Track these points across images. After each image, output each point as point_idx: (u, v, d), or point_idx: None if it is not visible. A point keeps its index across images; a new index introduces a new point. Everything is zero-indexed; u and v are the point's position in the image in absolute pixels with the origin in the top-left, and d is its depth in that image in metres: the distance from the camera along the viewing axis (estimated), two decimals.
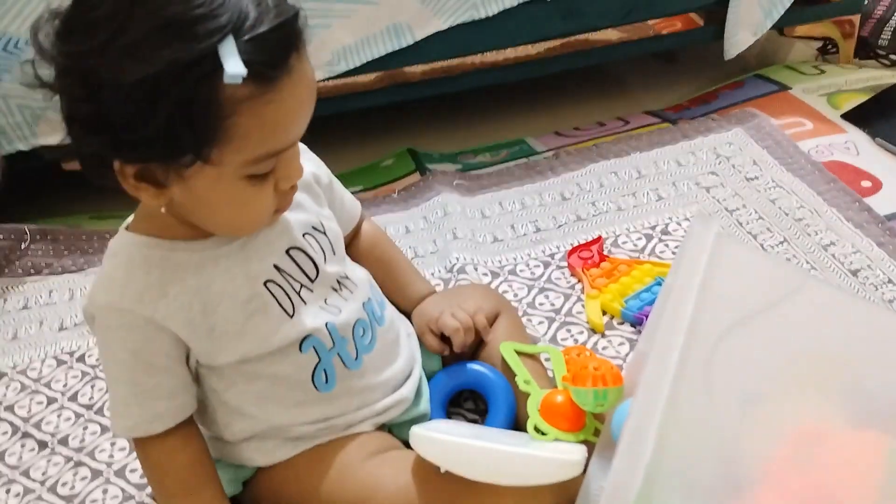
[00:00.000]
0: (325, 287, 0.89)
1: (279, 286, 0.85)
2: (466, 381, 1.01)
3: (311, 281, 0.87)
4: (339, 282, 0.91)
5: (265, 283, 0.84)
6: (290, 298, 0.85)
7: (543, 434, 0.88)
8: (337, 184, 0.99)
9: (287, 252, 0.86)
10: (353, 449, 0.88)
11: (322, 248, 0.89)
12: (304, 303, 0.86)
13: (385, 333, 0.94)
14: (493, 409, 0.97)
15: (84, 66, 0.67)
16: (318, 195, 0.93)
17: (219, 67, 0.65)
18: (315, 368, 0.86)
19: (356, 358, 0.89)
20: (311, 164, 0.93)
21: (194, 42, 0.65)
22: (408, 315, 1.04)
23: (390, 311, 0.98)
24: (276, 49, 0.68)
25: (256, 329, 0.83)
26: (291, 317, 0.85)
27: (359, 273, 0.95)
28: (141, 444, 0.86)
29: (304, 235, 0.88)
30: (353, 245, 1.04)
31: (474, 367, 1.00)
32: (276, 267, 0.85)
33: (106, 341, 0.82)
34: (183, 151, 0.69)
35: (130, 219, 0.85)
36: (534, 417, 0.90)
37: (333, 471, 0.87)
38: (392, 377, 0.93)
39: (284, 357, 0.85)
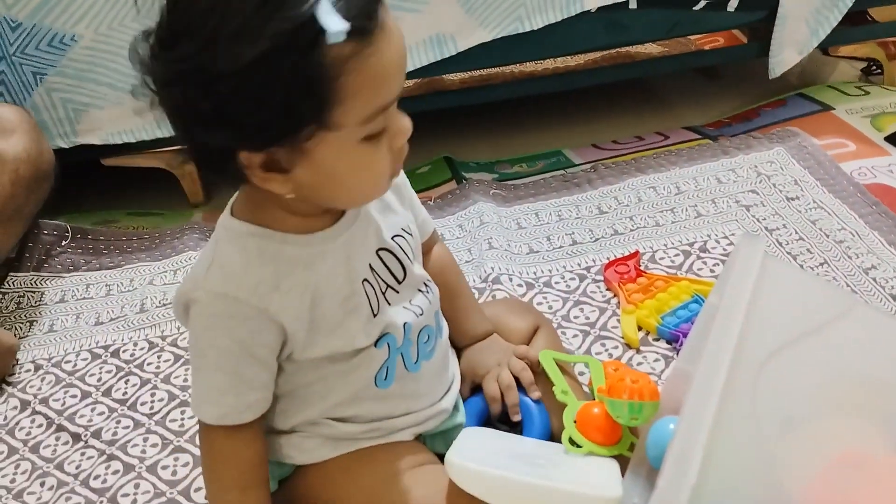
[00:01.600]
0: (412, 288, 0.90)
1: (371, 286, 0.86)
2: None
3: (399, 283, 0.88)
4: (425, 284, 0.92)
5: (363, 282, 0.85)
6: (377, 298, 0.86)
7: (578, 446, 0.88)
8: (412, 193, 0.98)
9: (377, 252, 0.87)
10: (390, 459, 0.88)
11: (412, 249, 0.90)
12: (389, 304, 0.87)
13: (443, 345, 0.94)
14: (528, 432, 0.96)
15: (197, 64, 0.68)
16: (404, 197, 0.94)
17: (320, 31, 0.66)
18: (382, 364, 0.87)
19: (416, 362, 0.89)
20: (402, 176, 0.93)
21: (293, 10, 0.66)
22: (457, 349, 1.03)
23: (446, 324, 0.98)
24: (366, 4, 0.70)
25: (349, 327, 0.84)
26: (375, 316, 0.85)
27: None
28: (214, 433, 0.85)
29: (393, 237, 0.89)
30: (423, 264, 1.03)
31: None
32: (370, 266, 0.86)
33: (210, 327, 0.81)
34: (305, 121, 0.70)
35: (233, 204, 0.84)
36: (569, 429, 0.89)
37: (368, 480, 0.86)
38: (433, 390, 0.93)
39: (360, 350, 0.85)
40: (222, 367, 0.82)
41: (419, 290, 0.91)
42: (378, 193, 0.83)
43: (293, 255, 0.81)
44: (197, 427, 1.08)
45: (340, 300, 0.83)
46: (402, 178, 0.94)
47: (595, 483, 0.82)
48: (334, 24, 0.67)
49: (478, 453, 0.85)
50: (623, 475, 0.84)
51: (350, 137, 0.73)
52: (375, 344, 0.85)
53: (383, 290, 0.87)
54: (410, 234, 0.91)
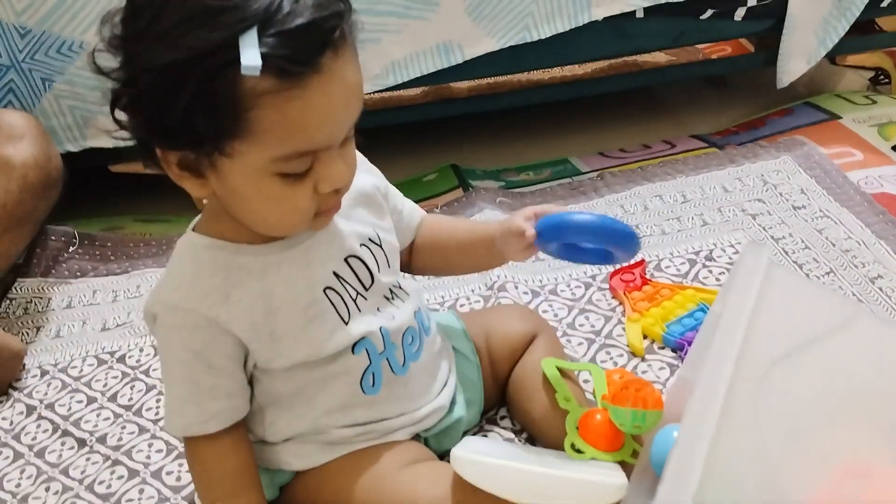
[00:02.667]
0: (378, 296, 0.90)
1: (337, 293, 0.86)
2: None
3: (366, 289, 0.88)
4: (391, 290, 0.91)
5: (325, 290, 0.85)
6: (346, 305, 0.86)
7: (580, 452, 0.88)
8: (394, 193, 0.98)
9: (345, 259, 0.87)
10: (388, 457, 0.88)
11: (376, 260, 0.90)
12: (359, 311, 0.87)
13: (431, 344, 0.94)
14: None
15: (128, 50, 0.71)
16: (381, 207, 0.94)
17: (235, 59, 0.66)
18: (365, 371, 0.87)
19: (403, 364, 0.90)
20: (370, 175, 0.94)
21: (218, 31, 0.66)
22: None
23: (435, 324, 0.98)
24: (305, 45, 0.68)
25: (314, 334, 0.84)
26: (346, 324, 0.86)
27: (410, 283, 0.95)
28: (192, 444, 0.86)
29: (360, 245, 0.88)
30: (414, 244, 1.02)
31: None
32: (335, 274, 0.86)
33: (167, 340, 0.83)
34: (203, 142, 0.71)
35: (197, 219, 0.86)
36: (571, 435, 0.89)
37: (368, 478, 0.87)
38: (429, 389, 0.94)
39: (337, 358, 0.86)
40: (181, 377, 0.83)
41: (385, 298, 0.90)
42: (295, 229, 0.82)
43: (245, 264, 0.82)
44: None
45: (300, 309, 0.83)
46: (378, 187, 0.93)
47: (599, 472, 0.83)
48: (249, 57, 0.66)
49: (482, 448, 0.86)
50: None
51: (260, 169, 0.73)
52: (353, 350, 0.86)
53: (353, 297, 0.87)
54: (379, 245, 0.91)
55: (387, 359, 0.88)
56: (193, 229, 0.85)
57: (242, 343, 0.82)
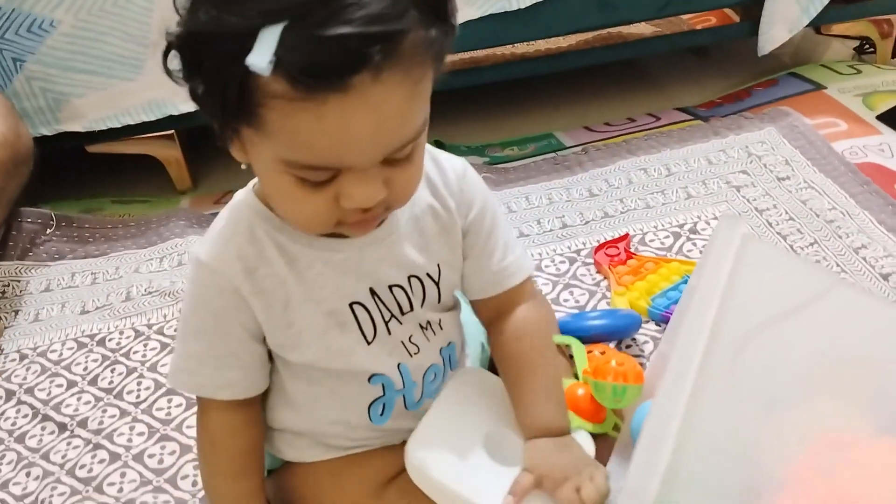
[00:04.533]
0: (414, 323, 0.83)
1: (367, 311, 0.80)
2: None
3: (402, 314, 0.82)
4: (428, 322, 0.84)
5: (351, 304, 0.80)
6: (374, 325, 0.81)
7: None
8: (488, 231, 0.87)
9: (389, 286, 0.81)
10: (378, 467, 0.85)
11: (425, 294, 0.83)
12: (389, 333, 0.82)
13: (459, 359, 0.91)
14: None
15: (183, 10, 0.65)
16: (455, 238, 0.85)
17: (249, 49, 0.59)
18: (376, 400, 0.83)
19: (418, 401, 0.86)
20: (478, 202, 0.86)
21: (244, 16, 0.59)
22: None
23: (468, 358, 0.94)
24: (331, 59, 0.59)
25: (331, 343, 0.80)
26: (369, 344, 0.81)
27: (451, 320, 0.88)
28: (205, 410, 0.83)
29: (410, 277, 0.82)
30: (496, 327, 0.90)
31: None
32: (371, 291, 0.80)
33: (194, 294, 0.80)
34: (213, 116, 0.67)
35: (258, 181, 0.79)
36: None
37: (356, 486, 0.84)
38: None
39: (352, 378, 0.82)
40: (200, 336, 0.80)
41: (420, 327, 0.84)
42: (316, 230, 0.75)
43: (283, 244, 0.77)
44: (183, 416, 1.09)
45: (322, 312, 0.79)
46: (484, 212, 0.86)
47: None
48: (258, 56, 0.58)
49: (442, 446, 0.82)
50: (609, 458, 0.84)
51: (274, 164, 0.67)
52: (369, 379, 0.82)
53: (386, 320, 0.81)
54: (435, 282, 0.84)
55: (403, 395, 0.84)
56: (252, 190, 0.80)
57: (258, 322, 0.79)
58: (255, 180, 0.79)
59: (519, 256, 0.89)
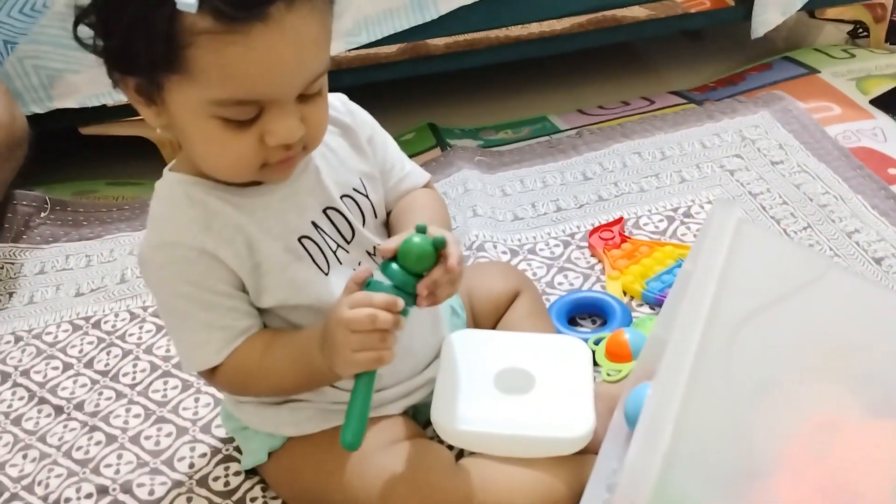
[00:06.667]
0: (360, 250, 0.88)
1: (315, 243, 0.84)
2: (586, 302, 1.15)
3: (347, 242, 0.87)
4: (375, 248, 0.88)
5: (300, 239, 0.84)
6: (325, 256, 0.85)
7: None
8: (383, 145, 0.94)
9: (324, 211, 0.85)
10: (375, 433, 0.86)
11: (362, 211, 0.88)
12: (340, 263, 0.86)
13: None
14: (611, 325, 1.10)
15: None
16: (363, 150, 0.91)
17: None
18: None
19: None
20: (354, 116, 0.91)
21: None
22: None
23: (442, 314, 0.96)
24: None
25: (295, 276, 0.83)
26: (326, 275, 0.84)
27: None
28: (233, 365, 0.83)
29: (342, 197, 0.87)
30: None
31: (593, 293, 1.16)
32: (313, 224, 0.85)
33: (163, 280, 0.81)
34: (138, 69, 0.70)
35: (173, 161, 0.84)
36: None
37: (355, 455, 0.85)
38: (421, 352, 0.93)
39: (319, 314, 0.84)
40: (191, 310, 0.81)
41: (368, 253, 0.89)
42: (238, 178, 0.79)
43: (222, 197, 0.80)
44: (179, 398, 1.10)
45: (280, 248, 0.82)
46: (370, 131, 0.92)
47: (565, 423, 0.86)
48: None
49: (459, 402, 0.88)
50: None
51: (198, 108, 0.71)
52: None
53: (333, 249, 0.86)
54: (365, 195, 0.89)
55: None
56: (170, 170, 0.83)
57: (234, 272, 0.81)
58: (171, 164, 0.84)
59: (415, 166, 0.97)
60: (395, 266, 0.77)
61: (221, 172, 0.79)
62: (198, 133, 0.74)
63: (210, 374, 0.85)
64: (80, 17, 0.73)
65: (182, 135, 0.76)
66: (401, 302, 0.75)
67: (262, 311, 0.85)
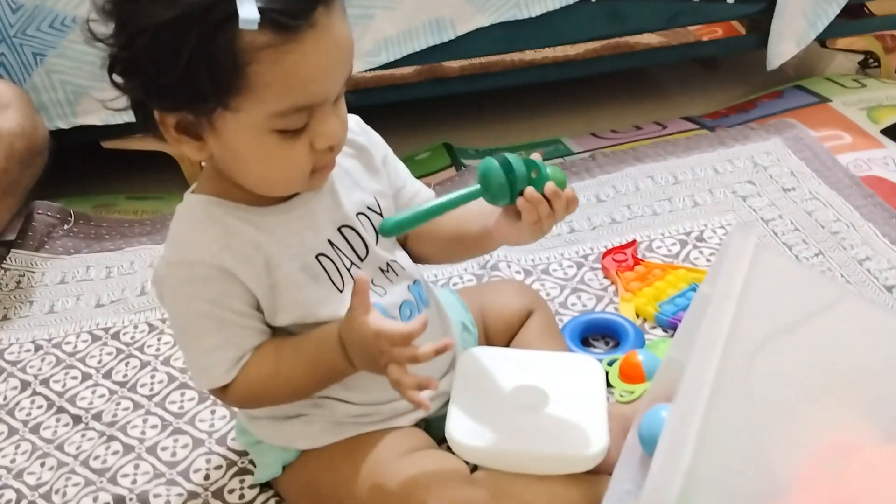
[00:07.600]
0: (374, 267, 0.90)
1: (331, 261, 0.86)
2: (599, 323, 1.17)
3: (361, 260, 0.89)
4: (388, 264, 0.91)
5: (317, 257, 0.86)
6: (340, 274, 0.87)
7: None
8: (395, 165, 0.97)
9: (339, 229, 0.87)
10: (390, 443, 0.88)
11: (375, 228, 0.90)
12: (353, 280, 0.85)
13: (431, 318, 0.93)
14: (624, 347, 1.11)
15: (122, 12, 0.71)
16: (378, 171, 0.93)
17: (233, 13, 0.67)
18: None
19: None
20: (367, 136, 0.93)
21: None
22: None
23: (436, 299, 0.98)
24: (299, 0, 0.70)
25: (311, 295, 0.84)
26: (341, 292, 0.86)
27: (406, 259, 0.95)
28: (244, 380, 0.84)
29: (357, 215, 0.89)
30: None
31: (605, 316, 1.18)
32: (329, 242, 0.86)
33: (181, 297, 0.83)
34: (205, 98, 0.72)
35: (195, 185, 0.86)
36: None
37: (370, 463, 0.87)
38: (433, 366, 0.92)
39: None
40: (209, 327, 0.82)
41: (381, 270, 0.90)
42: (292, 188, 0.83)
43: (242, 217, 0.82)
44: (196, 410, 1.11)
45: (297, 267, 0.84)
46: (384, 151, 0.94)
47: (579, 440, 0.87)
48: (247, 10, 0.67)
49: (474, 419, 0.89)
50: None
51: (259, 125, 0.74)
52: None
53: (347, 267, 0.87)
54: (379, 213, 0.91)
55: None
56: (192, 192, 0.85)
57: (251, 291, 0.82)
58: (192, 187, 0.86)
59: (422, 185, 0.99)
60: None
61: (277, 187, 0.82)
62: (254, 152, 0.76)
63: (222, 392, 0.86)
64: (112, 67, 0.75)
65: (233, 159, 0.78)
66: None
67: (274, 330, 0.86)
